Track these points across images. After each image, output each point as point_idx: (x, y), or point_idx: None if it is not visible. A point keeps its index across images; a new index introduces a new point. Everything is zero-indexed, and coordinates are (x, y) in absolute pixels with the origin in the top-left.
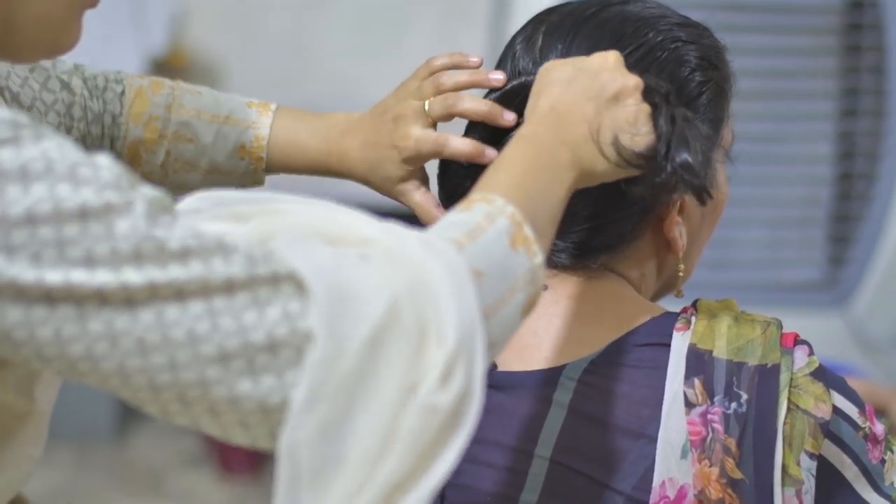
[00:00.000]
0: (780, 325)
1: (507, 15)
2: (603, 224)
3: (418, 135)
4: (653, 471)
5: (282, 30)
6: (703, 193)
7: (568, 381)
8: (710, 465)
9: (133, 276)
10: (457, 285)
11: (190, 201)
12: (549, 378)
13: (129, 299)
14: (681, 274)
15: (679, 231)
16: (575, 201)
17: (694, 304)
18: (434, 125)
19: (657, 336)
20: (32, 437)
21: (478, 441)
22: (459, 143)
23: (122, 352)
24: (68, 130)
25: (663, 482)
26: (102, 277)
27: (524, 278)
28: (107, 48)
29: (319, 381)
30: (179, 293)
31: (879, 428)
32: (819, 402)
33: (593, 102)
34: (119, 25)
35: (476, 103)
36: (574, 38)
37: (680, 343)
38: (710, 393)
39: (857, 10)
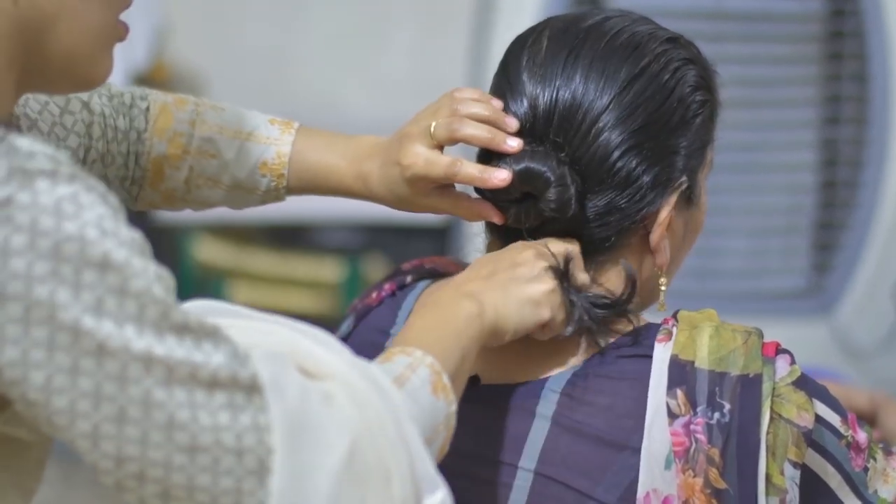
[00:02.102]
0: (761, 335)
1: (487, 29)
2: (587, 234)
3: (427, 156)
4: (637, 482)
5: (262, 43)
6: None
7: (551, 393)
8: (694, 476)
9: (136, 341)
10: (407, 431)
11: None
12: (531, 391)
13: (123, 368)
14: (663, 288)
15: (664, 245)
16: (556, 214)
17: (675, 315)
18: (440, 148)
19: (639, 347)
20: (33, 469)
21: (461, 454)
22: (470, 168)
23: (101, 415)
24: (87, 150)
25: (647, 493)
26: (107, 330)
27: (444, 423)
28: None
29: None
30: (169, 374)
31: (862, 436)
32: (801, 411)
33: (489, 268)
34: None
35: (477, 129)
36: (582, 45)
37: (662, 354)
38: (692, 403)
39: (839, 18)
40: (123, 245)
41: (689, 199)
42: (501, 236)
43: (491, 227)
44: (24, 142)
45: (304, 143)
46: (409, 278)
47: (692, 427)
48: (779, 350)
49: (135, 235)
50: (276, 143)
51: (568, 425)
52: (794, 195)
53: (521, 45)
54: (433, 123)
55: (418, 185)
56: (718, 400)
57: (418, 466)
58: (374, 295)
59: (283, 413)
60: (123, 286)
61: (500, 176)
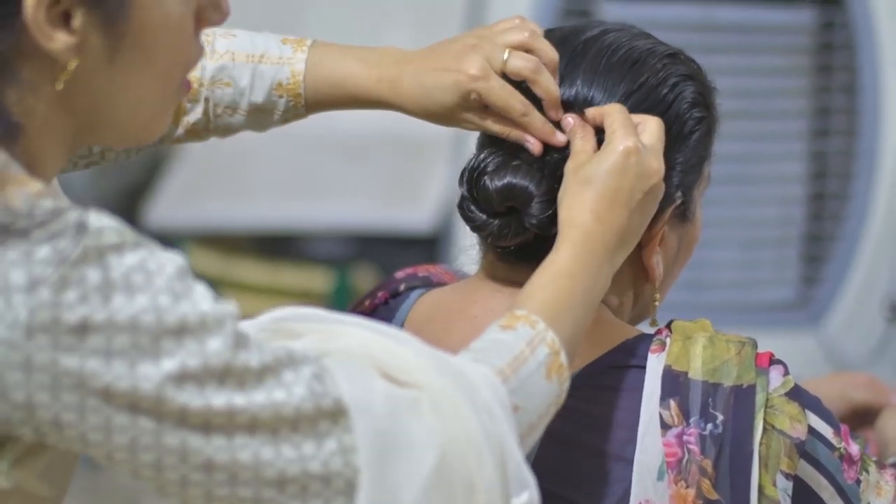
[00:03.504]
0: (754, 345)
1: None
2: None
3: (502, 82)
4: (630, 493)
5: None
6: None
7: None
8: (687, 487)
9: (215, 398)
10: (501, 432)
11: (249, 324)
12: None
13: (206, 423)
14: (656, 303)
15: (657, 260)
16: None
17: (668, 326)
18: (501, 76)
19: (633, 358)
20: None
21: None
22: (540, 122)
23: (189, 466)
24: None
25: None
26: (187, 396)
27: (554, 404)
28: None
29: None
30: (253, 421)
31: (854, 448)
32: (794, 423)
33: (626, 208)
34: None
35: (552, 85)
36: (581, 59)
37: (655, 365)
38: (685, 414)
39: (829, 31)
40: (196, 305)
41: (683, 214)
42: (496, 251)
43: (485, 243)
44: (93, 218)
45: (318, 57)
46: (402, 286)
47: (685, 438)
48: (772, 361)
49: (203, 289)
50: (288, 62)
51: (561, 436)
52: (784, 207)
53: None
54: (507, 51)
55: (469, 99)
56: (712, 411)
57: (510, 467)
58: (367, 303)
59: (370, 430)
60: (202, 349)
61: (560, 138)
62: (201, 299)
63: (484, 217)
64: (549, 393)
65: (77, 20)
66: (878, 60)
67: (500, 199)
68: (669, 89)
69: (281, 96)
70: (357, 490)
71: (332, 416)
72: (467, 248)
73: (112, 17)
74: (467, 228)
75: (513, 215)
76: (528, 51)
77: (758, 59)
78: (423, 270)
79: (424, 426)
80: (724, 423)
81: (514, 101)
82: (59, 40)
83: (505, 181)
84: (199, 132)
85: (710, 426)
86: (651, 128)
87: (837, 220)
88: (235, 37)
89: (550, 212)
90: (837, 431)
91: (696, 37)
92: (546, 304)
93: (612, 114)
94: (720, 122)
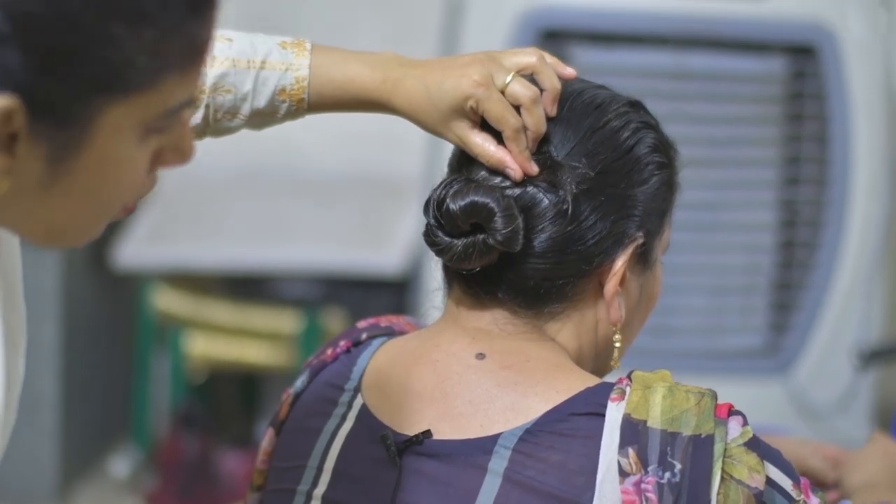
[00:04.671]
0: (714, 396)
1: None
2: (542, 276)
3: (498, 96)
4: None
5: None
6: None
7: (503, 449)
8: None
9: None
10: None
11: None
12: (484, 446)
13: None
14: (617, 345)
15: (619, 301)
16: (523, 259)
17: (629, 375)
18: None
19: (592, 406)
20: None
21: None
22: (524, 145)
23: None
24: None
25: None
26: None
27: None
28: None
29: None
30: None
31: (815, 501)
32: (753, 473)
33: None
34: None
35: (542, 120)
36: None
37: (614, 413)
38: (644, 462)
39: (799, 80)
40: None
41: (644, 259)
42: (462, 283)
43: (450, 276)
44: None
45: (321, 60)
46: (364, 335)
47: (643, 486)
48: (731, 411)
49: None
50: (292, 67)
51: (519, 481)
52: (753, 254)
53: None
54: (512, 74)
55: (465, 107)
56: (670, 459)
57: None
58: (329, 351)
59: None
60: None
61: (533, 168)
62: None
63: (448, 239)
64: None
65: (21, 146)
66: (849, 110)
67: (465, 217)
68: (631, 133)
69: (284, 101)
70: None
71: None
72: (434, 291)
73: (58, 155)
74: (435, 272)
75: (477, 235)
76: (534, 73)
77: (729, 107)
78: (385, 321)
79: None
80: (681, 471)
81: (510, 115)
82: None
83: (468, 200)
84: (196, 134)
85: (667, 475)
86: None
87: (807, 269)
88: (232, 41)
89: (513, 227)
90: (797, 484)
91: (667, 84)
92: None
93: None
94: (690, 168)
